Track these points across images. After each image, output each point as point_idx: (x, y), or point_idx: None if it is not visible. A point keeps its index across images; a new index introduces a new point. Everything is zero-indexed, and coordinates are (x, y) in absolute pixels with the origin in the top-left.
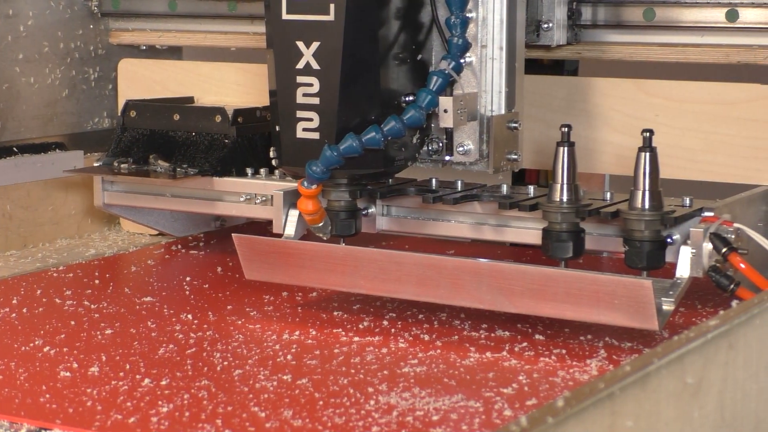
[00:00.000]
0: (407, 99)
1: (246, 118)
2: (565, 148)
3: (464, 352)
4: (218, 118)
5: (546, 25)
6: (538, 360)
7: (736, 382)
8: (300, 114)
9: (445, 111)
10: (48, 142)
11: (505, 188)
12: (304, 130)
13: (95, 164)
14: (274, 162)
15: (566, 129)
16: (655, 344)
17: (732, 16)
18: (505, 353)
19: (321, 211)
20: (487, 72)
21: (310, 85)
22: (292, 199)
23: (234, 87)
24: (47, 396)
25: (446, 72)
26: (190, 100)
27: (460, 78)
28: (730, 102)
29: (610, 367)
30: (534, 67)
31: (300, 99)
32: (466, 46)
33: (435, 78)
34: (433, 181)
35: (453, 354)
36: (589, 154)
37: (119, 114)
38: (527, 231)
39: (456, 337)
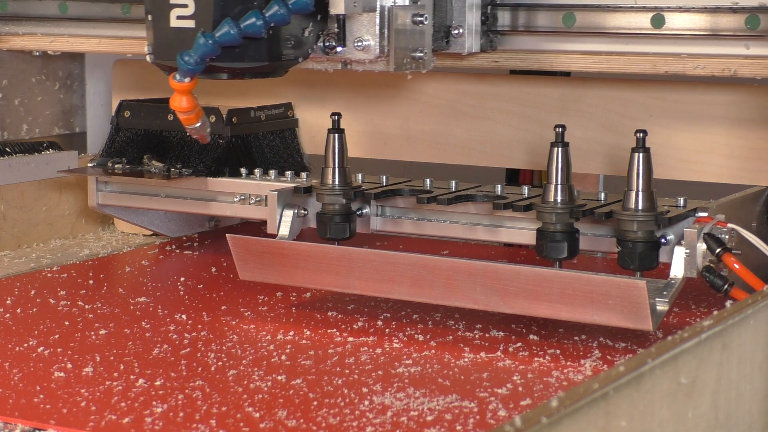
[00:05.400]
0: None
1: (240, 118)
2: (559, 149)
3: (458, 352)
4: (212, 118)
5: (456, 31)
6: (532, 360)
7: (730, 382)
8: (174, 0)
9: None
10: (42, 142)
11: (499, 188)
12: (179, 18)
13: (89, 164)
14: (148, 58)
15: (560, 129)
16: (649, 344)
17: (658, 21)
18: (499, 353)
19: (197, 109)
20: None
21: None
22: (286, 199)
23: (228, 87)
24: (41, 396)
25: None
26: None
27: None
28: (724, 102)
29: (605, 368)
30: None
31: None
32: None
33: None
34: (427, 181)
35: (447, 354)
36: (583, 155)
37: (113, 114)
38: (521, 231)
39: (450, 337)
